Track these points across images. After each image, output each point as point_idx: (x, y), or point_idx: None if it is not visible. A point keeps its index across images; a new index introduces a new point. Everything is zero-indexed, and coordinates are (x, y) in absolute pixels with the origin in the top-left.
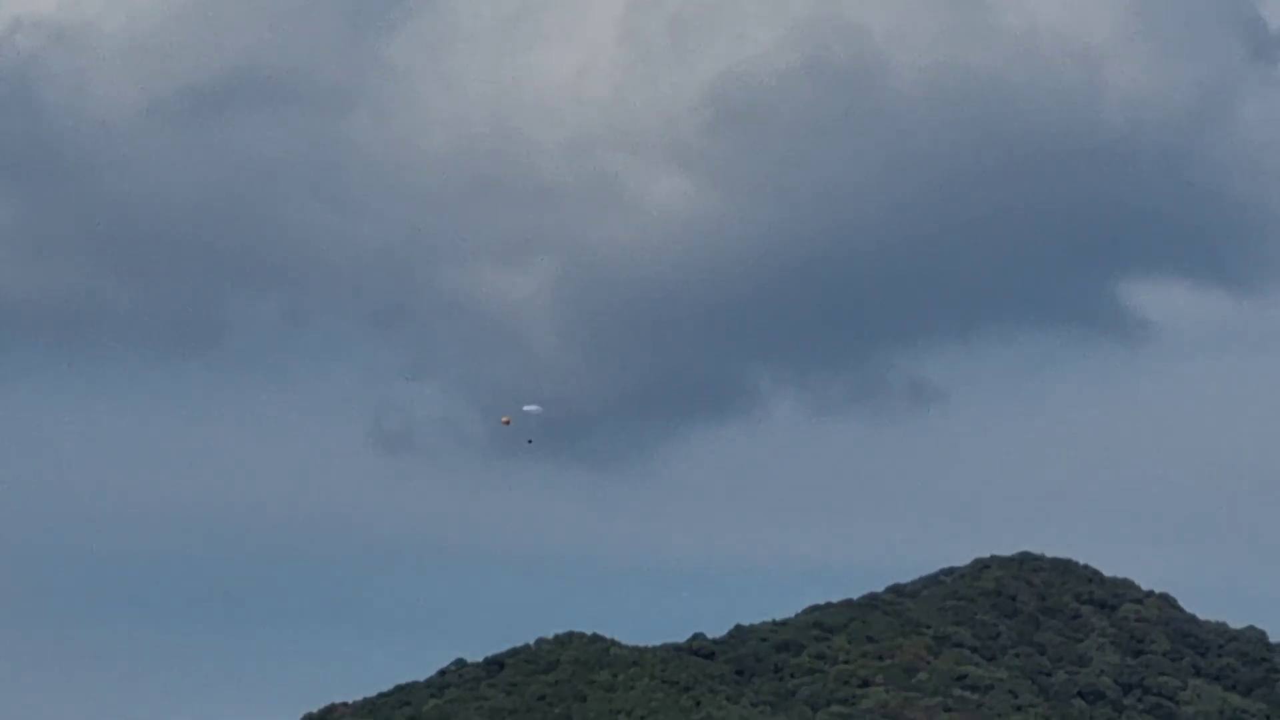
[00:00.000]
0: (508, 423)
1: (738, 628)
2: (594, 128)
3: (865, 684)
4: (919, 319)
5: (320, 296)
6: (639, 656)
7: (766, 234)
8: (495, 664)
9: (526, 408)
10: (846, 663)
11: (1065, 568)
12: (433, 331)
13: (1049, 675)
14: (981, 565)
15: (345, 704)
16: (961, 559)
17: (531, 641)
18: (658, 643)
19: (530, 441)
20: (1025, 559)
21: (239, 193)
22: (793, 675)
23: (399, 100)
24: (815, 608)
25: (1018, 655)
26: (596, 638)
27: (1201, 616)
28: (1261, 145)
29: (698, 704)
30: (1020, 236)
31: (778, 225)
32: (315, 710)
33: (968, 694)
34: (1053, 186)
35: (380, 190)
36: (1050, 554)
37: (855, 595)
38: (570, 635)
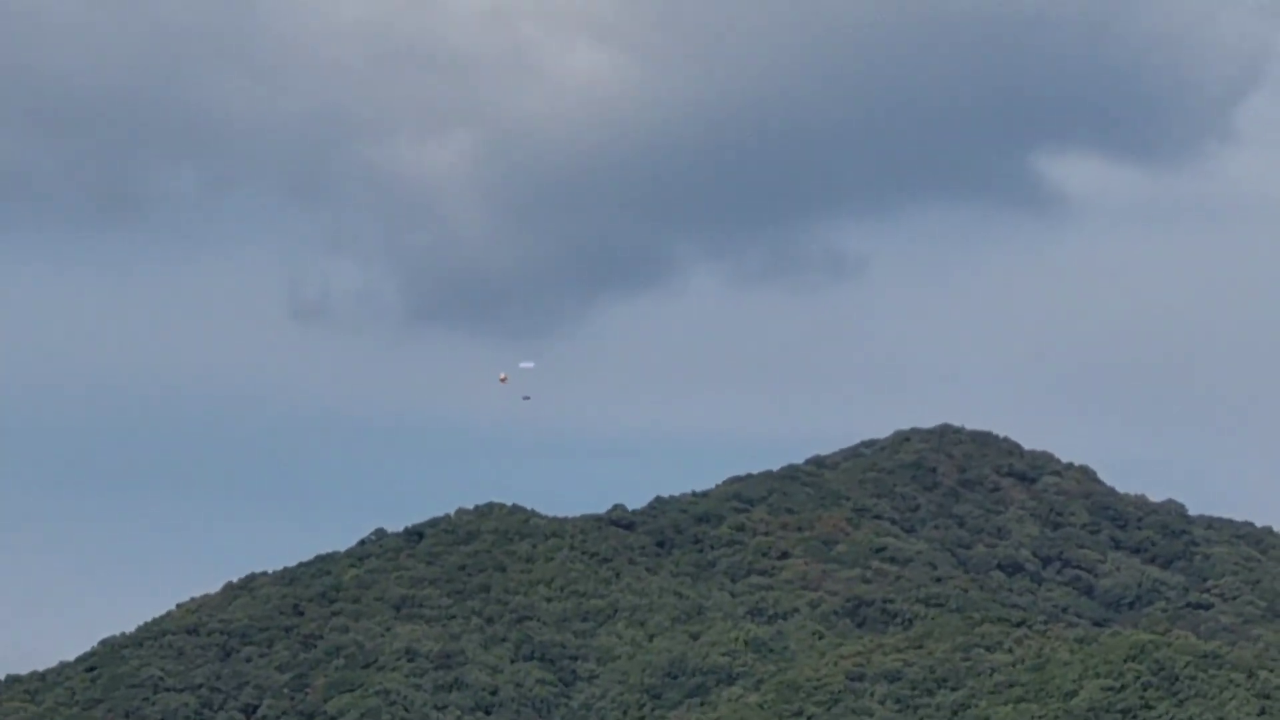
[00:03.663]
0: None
1: (657, 499)
2: None
3: (784, 555)
4: (837, 190)
5: (238, 167)
6: (558, 527)
7: (684, 106)
8: (415, 534)
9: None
10: (766, 534)
11: (985, 440)
12: (351, 203)
13: (968, 548)
14: (902, 437)
15: (266, 573)
16: (882, 431)
17: (451, 512)
18: (577, 514)
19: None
20: (945, 431)
21: (157, 63)
22: (712, 547)
23: None
24: (735, 479)
25: (937, 527)
26: (516, 509)
27: (1121, 489)
28: (1177, 21)
29: (617, 575)
30: (938, 109)
31: (695, 97)
32: (237, 579)
33: (887, 566)
34: (971, 60)
35: (297, 61)
36: (970, 427)
37: (775, 467)
38: (490, 506)
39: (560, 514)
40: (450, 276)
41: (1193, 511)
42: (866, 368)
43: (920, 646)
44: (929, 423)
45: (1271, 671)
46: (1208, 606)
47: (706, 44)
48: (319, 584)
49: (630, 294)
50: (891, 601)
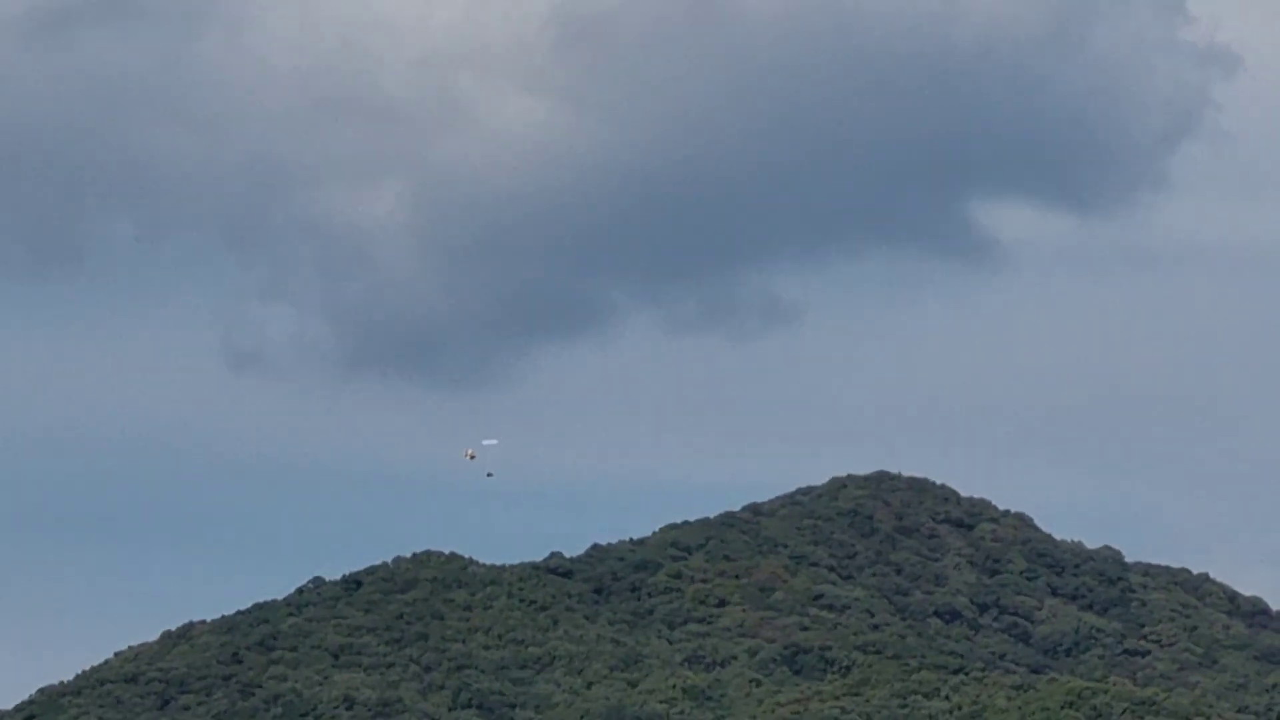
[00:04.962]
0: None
1: (595, 547)
2: (443, 47)
3: (722, 603)
4: (772, 237)
5: (175, 216)
6: (496, 575)
7: (618, 153)
8: (353, 582)
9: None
10: (703, 582)
11: (922, 487)
12: (286, 251)
13: (906, 594)
14: (838, 484)
15: (204, 622)
16: (818, 478)
17: (389, 560)
18: (515, 561)
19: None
20: (882, 478)
21: (92, 112)
22: (650, 594)
23: (249, 18)
24: (672, 527)
25: (874, 574)
26: (453, 557)
27: (1057, 536)
28: (1111, 68)
29: (555, 623)
30: (872, 156)
31: (629, 144)
32: (175, 628)
33: (824, 613)
34: (904, 107)
35: (232, 109)
36: (907, 473)
37: (712, 514)
38: (427, 554)
39: (498, 562)
40: (385, 324)
41: (1129, 558)
42: (803, 415)
43: (858, 694)
44: (865, 469)
45: (1208, 718)
46: (1144, 653)
47: (639, 92)
48: (257, 632)
49: (565, 341)
50: (829, 649)
